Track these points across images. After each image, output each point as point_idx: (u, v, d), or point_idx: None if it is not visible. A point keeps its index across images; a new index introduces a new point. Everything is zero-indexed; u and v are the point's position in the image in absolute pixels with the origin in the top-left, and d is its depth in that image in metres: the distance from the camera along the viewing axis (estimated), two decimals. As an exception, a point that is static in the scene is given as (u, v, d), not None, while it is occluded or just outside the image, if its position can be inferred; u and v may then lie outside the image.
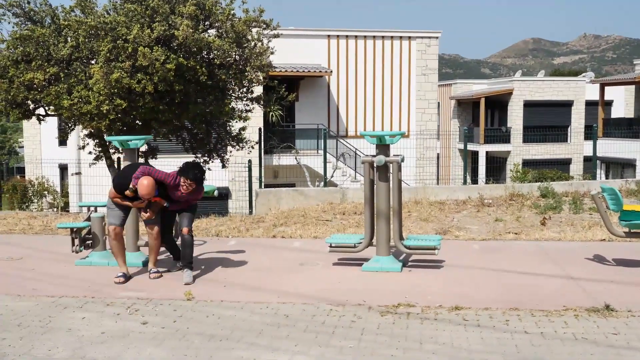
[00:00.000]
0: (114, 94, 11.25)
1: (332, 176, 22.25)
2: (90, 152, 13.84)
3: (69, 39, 11.94)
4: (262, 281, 7.40)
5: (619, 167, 33.22)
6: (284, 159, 24.98)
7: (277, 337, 5.50)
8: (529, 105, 36.01)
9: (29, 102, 12.37)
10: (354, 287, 7.05)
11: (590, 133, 17.74)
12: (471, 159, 33.61)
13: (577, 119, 36.50)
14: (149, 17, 11.55)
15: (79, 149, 14.39)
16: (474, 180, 30.03)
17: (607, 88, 36.72)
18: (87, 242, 8.45)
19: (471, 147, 33.74)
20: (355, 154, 24.46)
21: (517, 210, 12.64)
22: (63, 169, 27.04)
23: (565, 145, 35.79)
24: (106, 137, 12.25)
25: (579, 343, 5.24)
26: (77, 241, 8.34)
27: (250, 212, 15.13)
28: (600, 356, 4.97)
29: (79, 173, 23.01)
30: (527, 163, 32.01)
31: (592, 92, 37.44)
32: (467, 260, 8.32)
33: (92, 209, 8.90)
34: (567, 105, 36.57)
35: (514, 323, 5.75)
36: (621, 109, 40.50)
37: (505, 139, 35.42)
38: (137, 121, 12.44)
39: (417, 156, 26.28)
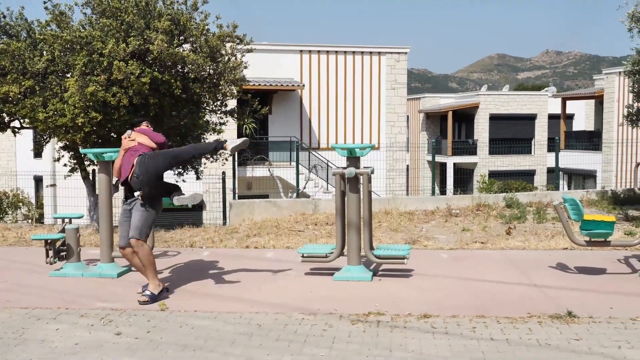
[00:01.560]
0: (89, 107, 11.15)
1: (304, 187, 22.25)
2: (65, 165, 13.66)
3: (44, 52, 11.82)
4: (236, 291, 7.35)
5: (580, 178, 33.72)
6: (258, 171, 24.92)
7: (250, 346, 5.46)
8: (494, 118, 36.43)
9: (4, 114, 12.22)
10: (326, 296, 7.04)
11: (553, 145, 17.97)
12: (439, 170, 33.88)
13: (541, 131, 37.02)
14: (124, 31, 11.48)
15: (54, 161, 14.19)
16: (442, 191, 30.28)
17: (568, 102, 37.34)
18: (62, 253, 8.32)
19: (439, 159, 34.01)
20: (327, 165, 24.49)
21: (484, 220, 12.74)
22: (38, 180, 26.67)
23: (529, 157, 36.26)
24: (81, 150, 12.11)
25: (542, 349, 5.29)
26: (51, 253, 8.21)
27: (224, 223, 15.05)
28: (563, 362, 5.01)
29: (54, 185, 22.72)
30: (493, 174, 32.34)
31: (555, 106, 38.03)
32: (435, 269, 8.36)
33: (66, 220, 8.78)
34: (531, 118, 37.08)
35: (480, 330, 5.78)
36: (582, 122, 41.19)
37: (472, 151, 35.77)
38: (112, 134, 12.33)
39: (387, 168, 26.40)
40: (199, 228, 13.11)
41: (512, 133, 35.56)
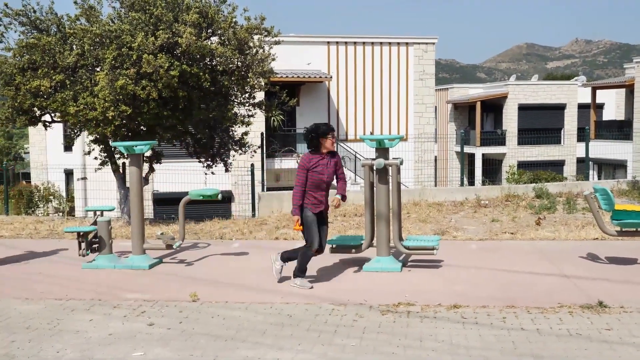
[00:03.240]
0: (119, 101, 11.27)
1: (332, 179, 22.24)
2: (95, 158, 13.83)
3: (74, 47, 11.97)
4: (266, 282, 7.41)
5: (610, 168, 33.24)
6: (286, 163, 25.00)
7: (281, 336, 5.51)
8: (523, 108, 36.05)
9: (35, 109, 12.38)
10: (356, 287, 7.06)
11: (582, 135, 17.75)
12: (468, 161, 33.60)
13: (570, 121, 36.55)
14: (152, 25, 11.58)
15: (85, 154, 14.39)
16: (471, 182, 30.05)
17: (598, 91, 36.76)
18: (94, 245, 8.45)
19: (468, 149, 33.72)
20: (355, 157, 24.48)
21: (513, 211, 12.65)
22: (68, 174, 27.04)
23: (558, 147, 35.83)
24: (111, 143, 12.26)
25: (573, 339, 5.25)
26: (84, 245, 8.34)
27: (253, 215, 15.14)
28: (593, 351, 4.98)
29: (84, 178, 23.02)
30: (522, 165, 32.02)
31: (584, 96, 37.48)
32: (464, 260, 8.33)
33: (98, 213, 8.91)
34: (560, 108, 36.61)
35: (510, 320, 5.76)
36: (612, 111, 40.55)
37: (501, 141, 35.45)
38: (142, 127, 12.46)
39: (416, 159, 26.31)
40: (228, 220, 13.22)
41: (541, 123, 35.17)
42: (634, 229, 7.71)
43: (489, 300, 6.39)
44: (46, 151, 28.34)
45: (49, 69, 11.65)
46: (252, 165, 15.90)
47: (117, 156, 13.43)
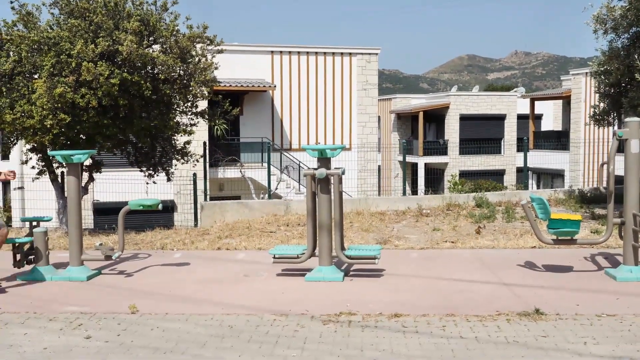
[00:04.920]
0: (57, 109, 11.03)
1: (276, 188, 22.21)
2: (33, 167, 13.49)
3: (11, 53, 11.66)
4: (207, 293, 7.33)
5: (549, 177, 34.16)
6: (229, 172, 24.83)
7: (221, 347, 5.46)
8: (464, 118, 36.75)
9: (-30, 116, 11.98)
10: (297, 297, 7.05)
11: (522, 145, 18.18)
12: (411, 170, 34.07)
13: (510, 131, 37.44)
14: (92, 32, 11.39)
15: (22, 163, 14.00)
16: (414, 191, 30.44)
17: (537, 102, 37.79)
18: (30, 257, 8.22)
19: (410, 159, 34.20)
20: (299, 166, 24.50)
21: (454, 220, 12.86)
22: (5, 183, 26.23)
23: (499, 156, 36.65)
24: (49, 152, 11.97)
25: (510, 346, 5.36)
26: (19, 256, 8.11)
27: (196, 225, 14.98)
28: (530, 358, 5.10)
29: (21, 187, 22.38)
30: (464, 174, 32.56)
31: (524, 107, 38.47)
32: (406, 269, 8.42)
33: (34, 223, 8.67)
34: (500, 118, 37.47)
35: (450, 328, 5.84)
36: (550, 122, 41.73)
37: (443, 151, 36.02)
38: (81, 135, 12.21)
39: (359, 168, 26.49)
40: (170, 230, 13.04)
41: (482, 133, 35.90)
42: (570, 238, 7.93)
43: (429, 309, 6.47)
44: (-19, 160, 27.48)
45: (-16, 76, 11.33)
46: (195, 174, 15.74)
47: (55, 165, 13.13)
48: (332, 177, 7.90)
